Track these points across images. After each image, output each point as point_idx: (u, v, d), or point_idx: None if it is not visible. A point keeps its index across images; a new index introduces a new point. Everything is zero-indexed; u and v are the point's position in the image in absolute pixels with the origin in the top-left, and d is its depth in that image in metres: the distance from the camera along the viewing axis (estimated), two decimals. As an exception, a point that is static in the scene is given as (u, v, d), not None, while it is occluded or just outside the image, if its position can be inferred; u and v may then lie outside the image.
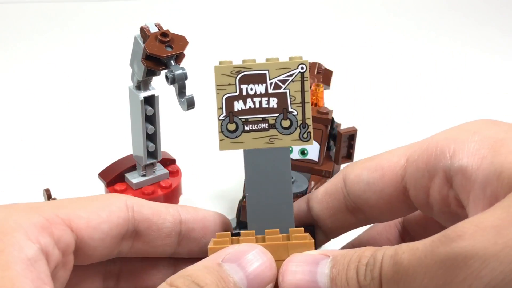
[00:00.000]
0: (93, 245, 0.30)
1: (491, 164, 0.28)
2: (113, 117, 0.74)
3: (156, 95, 0.50)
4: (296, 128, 0.32)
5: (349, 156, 0.52)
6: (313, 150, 0.50)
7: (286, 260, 0.31)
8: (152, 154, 0.53)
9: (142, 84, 0.50)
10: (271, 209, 0.33)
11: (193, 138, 0.71)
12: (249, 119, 0.32)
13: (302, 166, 0.50)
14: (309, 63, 0.59)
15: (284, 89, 0.32)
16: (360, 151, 0.53)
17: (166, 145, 0.56)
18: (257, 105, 0.32)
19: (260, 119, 0.32)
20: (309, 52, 0.90)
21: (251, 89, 0.32)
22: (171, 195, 0.54)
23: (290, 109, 0.32)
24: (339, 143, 0.50)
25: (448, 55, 0.97)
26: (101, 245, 0.30)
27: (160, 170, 0.55)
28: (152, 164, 0.54)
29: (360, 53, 0.97)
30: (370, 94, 0.82)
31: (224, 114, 0.32)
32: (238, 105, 0.32)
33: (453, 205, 0.30)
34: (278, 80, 0.32)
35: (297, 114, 0.32)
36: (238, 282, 0.28)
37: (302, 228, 0.32)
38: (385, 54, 0.97)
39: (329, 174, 0.50)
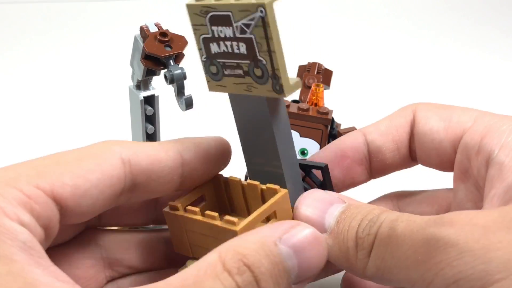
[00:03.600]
0: (80, 211, 0.27)
1: None
2: (113, 117, 0.74)
3: (156, 95, 0.50)
4: (268, 79, 0.29)
5: (349, 156, 0.52)
6: (313, 150, 0.50)
7: (307, 192, 0.32)
8: (151, 154, 0.53)
9: (142, 83, 0.50)
10: (263, 159, 0.32)
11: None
12: (226, 63, 0.30)
13: (302, 166, 0.50)
14: (309, 63, 0.59)
15: (250, 34, 0.28)
16: (360, 151, 0.53)
17: (166, 145, 0.56)
18: (230, 49, 0.29)
19: (235, 64, 0.29)
20: (309, 52, 0.90)
21: (221, 31, 0.29)
22: (171, 195, 0.54)
23: (259, 57, 0.28)
24: (339, 143, 0.50)
25: (448, 55, 0.97)
26: (91, 209, 0.28)
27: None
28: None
29: (360, 53, 0.97)
30: (370, 94, 0.81)
31: (205, 55, 0.30)
32: (214, 48, 0.30)
33: (480, 183, 0.31)
34: (242, 24, 0.28)
35: (266, 63, 0.28)
36: (290, 270, 0.27)
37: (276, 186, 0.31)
38: (385, 54, 0.97)
39: (329, 174, 0.50)
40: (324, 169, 0.34)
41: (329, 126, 0.51)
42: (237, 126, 0.32)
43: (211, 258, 0.25)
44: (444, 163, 0.34)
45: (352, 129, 0.51)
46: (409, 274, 0.26)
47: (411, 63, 0.94)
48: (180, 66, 0.46)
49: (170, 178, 0.30)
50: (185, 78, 0.46)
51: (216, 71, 0.30)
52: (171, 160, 0.30)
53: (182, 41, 0.47)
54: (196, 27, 0.30)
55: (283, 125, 0.31)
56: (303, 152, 0.50)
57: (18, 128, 0.73)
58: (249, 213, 0.31)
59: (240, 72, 0.29)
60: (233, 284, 0.24)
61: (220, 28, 0.29)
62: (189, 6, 0.29)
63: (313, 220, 0.30)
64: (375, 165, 0.36)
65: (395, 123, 0.35)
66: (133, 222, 0.34)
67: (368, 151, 0.36)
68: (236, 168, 0.35)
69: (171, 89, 0.48)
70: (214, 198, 0.33)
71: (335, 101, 0.60)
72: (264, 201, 0.31)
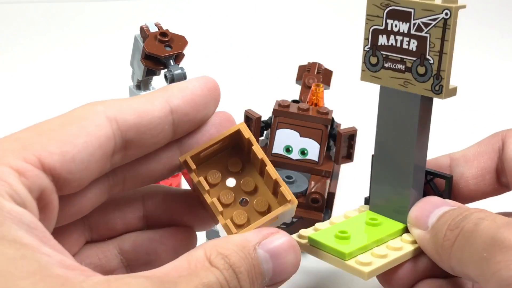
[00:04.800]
0: (74, 177, 0.27)
1: None
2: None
3: (155, 95, 0.50)
4: (430, 78, 0.31)
5: (349, 156, 0.52)
6: (313, 150, 0.50)
7: (423, 198, 0.35)
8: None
9: (142, 83, 0.50)
10: (396, 154, 0.34)
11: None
12: (389, 56, 0.32)
13: (302, 166, 0.49)
14: (309, 63, 0.59)
15: (426, 33, 0.31)
16: (360, 151, 0.53)
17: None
18: (398, 44, 0.32)
19: (399, 59, 0.32)
20: (309, 52, 0.90)
21: (396, 25, 0.31)
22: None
23: (427, 56, 0.31)
24: (339, 143, 0.50)
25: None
26: (85, 173, 0.27)
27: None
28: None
29: (360, 53, 0.97)
30: (370, 94, 0.81)
31: (369, 45, 0.33)
32: (382, 40, 0.32)
33: None
34: (421, 22, 0.31)
35: (433, 63, 0.31)
36: (265, 273, 0.28)
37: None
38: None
39: (329, 174, 0.50)
40: (450, 179, 0.36)
41: (329, 126, 0.51)
42: (378, 120, 0.35)
43: (198, 254, 0.27)
44: None
45: (352, 129, 0.51)
46: (476, 269, 0.28)
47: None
48: (180, 66, 0.47)
49: (161, 128, 0.29)
50: (185, 78, 0.46)
51: (376, 62, 0.33)
52: (158, 109, 0.29)
53: (182, 41, 0.47)
54: (370, 17, 0.32)
55: (427, 126, 0.34)
56: (303, 152, 0.50)
57: (18, 128, 0.73)
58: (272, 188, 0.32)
59: (402, 67, 0.32)
60: (222, 277, 0.26)
61: (396, 22, 0.31)
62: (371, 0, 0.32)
63: (418, 219, 0.33)
64: (458, 191, 0.37)
65: (483, 150, 0.37)
66: (123, 221, 0.34)
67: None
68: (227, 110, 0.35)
69: (171, 89, 0.48)
70: (231, 148, 0.33)
71: (335, 101, 0.60)
72: (275, 194, 0.32)
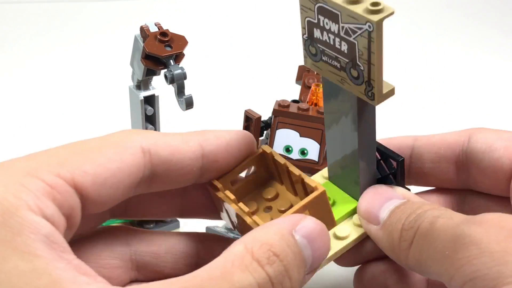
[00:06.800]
0: (100, 201, 0.27)
1: None
2: (113, 117, 0.74)
3: (156, 94, 0.50)
4: (363, 83, 0.29)
5: (349, 156, 0.52)
6: (313, 150, 0.50)
7: (370, 187, 0.34)
8: (151, 154, 0.53)
9: (142, 83, 0.50)
10: (343, 154, 0.33)
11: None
12: (325, 51, 0.30)
13: (302, 166, 0.49)
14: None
15: (354, 39, 0.28)
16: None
17: (166, 145, 0.56)
18: (331, 42, 0.29)
19: (334, 56, 0.29)
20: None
21: (327, 23, 0.29)
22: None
23: (357, 62, 0.28)
24: (339, 143, 0.50)
25: (448, 55, 0.97)
26: (111, 199, 0.27)
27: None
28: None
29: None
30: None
31: (307, 35, 0.30)
32: (317, 33, 0.30)
33: None
34: (348, 27, 0.28)
35: (363, 70, 0.28)
36: (307, 260, 0.27)
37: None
38: (384, 53, 0.97)
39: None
40: (400, 162, 0.35)
41: (329, 126, 0.51)
42: (325, 108, 0.32)
43: (237, 249, 0.25)
44: (500, 184, 0.35)
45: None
46: (438, 267, 0.28)
47: (411, 63, 0.94)
48: (180, 66, 0.47)
49: (190, 169, 0.30)
50: (185, 78, 0.46)
51: (315, 53, 0.30)
52: (191, 151, 0.30)
53: (182, 41, 0.47)
54: (304, 8, 0.29)
55: (370, 127, 0.33)
56: (303, 152, 0.50)
57: (18, 128, 0.73)
58: (294, 190, 0.32)
59: (337, 64, 0.29)
60: (263, 275, 0.24)
61: (326, 20, 0.28)
62: None
63: (369, 213, 0.33)
64: (413, 172, 0.37)
65: (448, 139, 0.37)
66: (159, 213, 0.34)
67: (410, 156, 0.37)
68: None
69: (171, 89, 0.48)
70: (263, 168, 0.33)
71: (335, 101, 0.60)
72: (306, 192, 0.32)
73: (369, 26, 0.27)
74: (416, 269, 0.31)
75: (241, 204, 0.30)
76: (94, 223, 0.32)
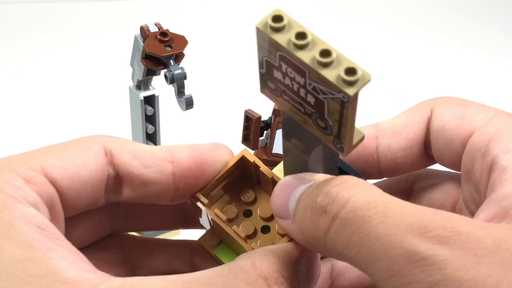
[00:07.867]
0: (72, 195, 0.27)
1: None
2: (113, 117, 0.74)
3: (156, 94, 0.50)
4: (331, 134, 0.25)
5: (349, 156, 0.51)
6: (313, 150, 0.50)
7: (280, 180, 0.30)
8: (151, 154, 0.53)
9: (142, 83, 0.50)
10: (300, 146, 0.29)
11: (193, 138, 0.71)
12: (287, 93, 0.25)
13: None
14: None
15: (323, 98, 0.24)
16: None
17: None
18: (295, 89, 0.25)
19: (298, 101, 0.25)
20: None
21: (290, 72, 0.24)
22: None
23: (326, 117, 0.25)
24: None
25: (449, 55, 0.97)
26: (82, 194, 0.27)
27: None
28: (152, 164, 0.53)
29: (360, 52, 0.97)
30: (370, 94, 0.81)
31: (264, 71, 0.26)
32: (278, 75, 0.25)
33: (481, 189, 0.29)
34: (317, 87, 0.24)
35: (333, 126, 0.25)
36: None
37: None
38: (385, 53, 0.97)
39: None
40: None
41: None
42: (283, 135, 0.29)
43: (244, 264, 0.25)
44: (455, 163, 0.33)
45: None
46: (374, 272, 0.24)
47: (411, 63, 0.94)
48: (180, 66, 0.46)
49: (157, 176, 0.29)
50: (185, 78, 0.46)
51: (275, 89, 0.26)
52: (157, 158, 0.29)
53: (182, 41, 0.47)
54: (262, 48, 0.25)
55: (334, 158, 0.29)
56: (303, 152, 0.50)
57: (18, 128, 0.73)
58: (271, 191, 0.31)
59: (302, 109, 0.25)
60: None
61: (290, 69, 0.24)
62: (259, 32, 0.25)
63: (279, 208, 0.29)
64: (384, 164, 0.34)
65: (411, 120, 0.33)
66: (162, 226, 0.34)
67: (377, 149, 0.34)
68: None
69: (171, 89, 0.48)
70: (241, 173, 0.33)
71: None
72: None
73: (343, 97, 0.23)
74: (337, 258, 0.27)
75: (235, 227, 0.30)
76: (90, 236, 0.31)
